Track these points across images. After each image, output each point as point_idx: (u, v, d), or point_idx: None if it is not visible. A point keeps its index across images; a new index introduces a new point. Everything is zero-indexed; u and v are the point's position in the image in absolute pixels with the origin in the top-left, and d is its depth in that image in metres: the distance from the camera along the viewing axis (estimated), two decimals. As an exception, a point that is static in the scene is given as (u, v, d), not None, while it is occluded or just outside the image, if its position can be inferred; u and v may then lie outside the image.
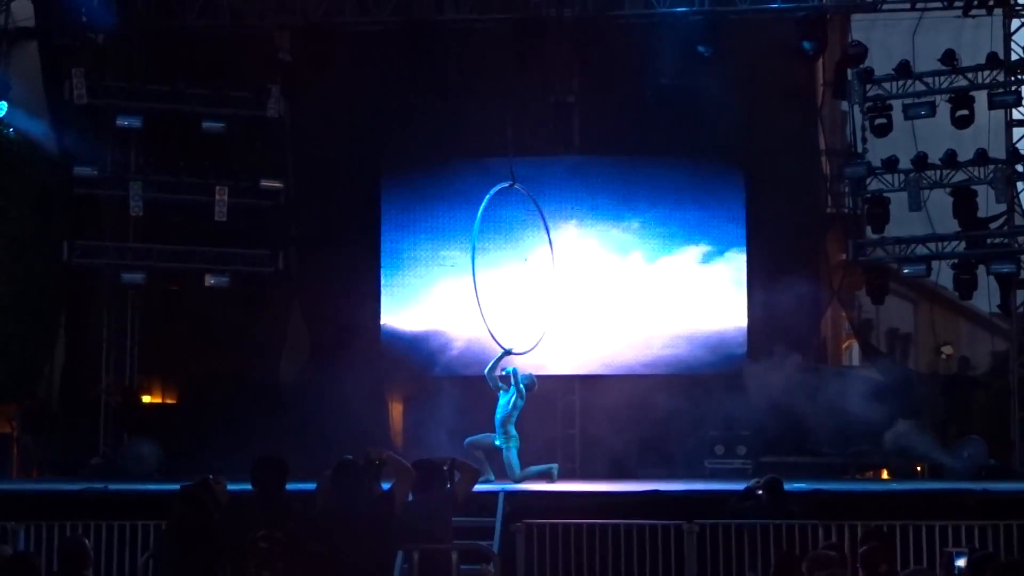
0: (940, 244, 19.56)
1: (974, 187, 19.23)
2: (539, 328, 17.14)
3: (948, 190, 19.37)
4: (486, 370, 16.63)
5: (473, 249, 16.85)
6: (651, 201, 19.74)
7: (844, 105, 20.93)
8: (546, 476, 16.48)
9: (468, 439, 16.40)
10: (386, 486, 9.02)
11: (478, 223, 16.93)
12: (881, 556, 8.53)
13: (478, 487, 10.77)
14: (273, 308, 20.55)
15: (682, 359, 19.29)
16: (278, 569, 7.42)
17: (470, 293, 18.37)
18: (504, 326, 17.72)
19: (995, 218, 19.49)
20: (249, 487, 8.97)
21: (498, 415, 16.42)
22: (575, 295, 19.16)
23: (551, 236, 17.80)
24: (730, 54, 19.34)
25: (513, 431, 16.38)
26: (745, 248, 19.46)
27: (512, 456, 16.29)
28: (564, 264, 18.93)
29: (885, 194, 19.76)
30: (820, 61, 20.70)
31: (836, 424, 17.54)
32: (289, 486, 9.11)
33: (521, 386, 16.38)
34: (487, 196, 16.92)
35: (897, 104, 19.59)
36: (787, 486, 13.30)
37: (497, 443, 16.35)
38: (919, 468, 19.14)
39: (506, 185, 17.14)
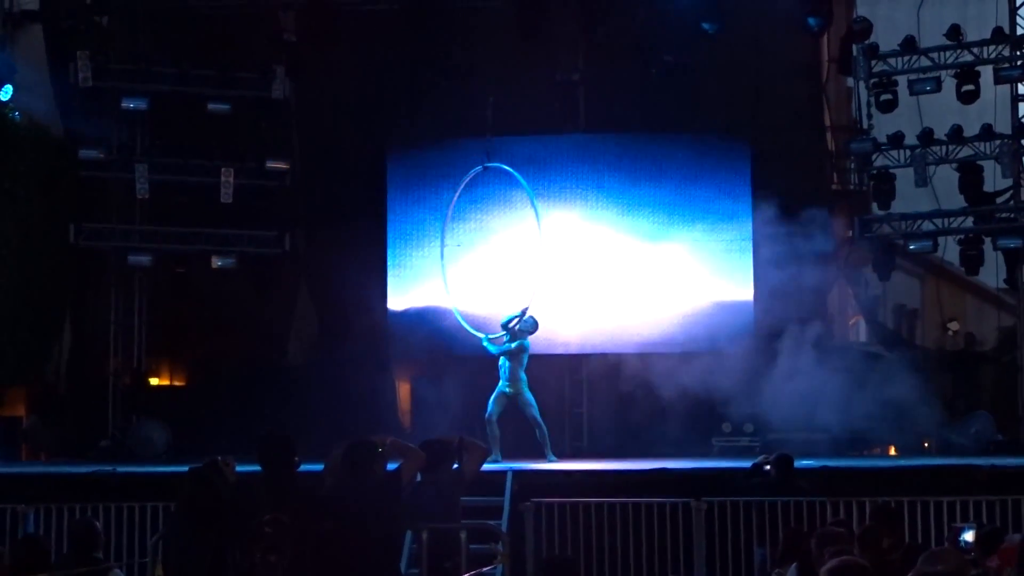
0: (946, 220, 19.55)
1: (980, 162, 19.21)
2: (520, 303, 17.12)
3: (954, 165, 19.36)
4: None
5: (442, 235, 17.03)
6: (656, 178, 19.70)
7: (849, 81, 20.91)
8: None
9: (487, 413, 16.32)
10: (392, 466, 9.04)
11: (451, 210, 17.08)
12: (883, 532, 8.53)
13: (486, 466, 10.80)
14: (280, 289, 20.58)
15: (688, 336, 19.27)
16: (285, 552, 7.45)
17: (477, 272, 18.55)
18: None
19: (1001, 193, 19.47)
20: (257, 468, 8.99)
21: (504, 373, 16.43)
22: (581, 273, 19.17)
23: (536, 206, 17.81)
24: (735, 30, 19.32)
25: (522, 375, 16.33)
26: (751, 225, 19.40)
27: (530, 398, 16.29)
28: (570, 242, 18.97)
29: (891, 170, 19.75)
30: (825, 37, 20.67)
31: (844, 401, 17.54)
32: (298, 467, 9.13)
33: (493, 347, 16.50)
34: (461, 184, 17.09)
35: (903, 80, 19.56)
36: (795, 463, 13.31)
37: (509, 391, 16.27)
38: (927, 444, 19.16)
39: (479, 169, 17.35)
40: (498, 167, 17.65)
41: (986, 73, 19.16)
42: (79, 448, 19.08)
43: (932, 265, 21.84)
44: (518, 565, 12.21)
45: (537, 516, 12.98)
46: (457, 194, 17.56)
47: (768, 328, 18.51)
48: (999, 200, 19.48)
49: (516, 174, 17.85)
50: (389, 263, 20.01)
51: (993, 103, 19.48)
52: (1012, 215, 19.28)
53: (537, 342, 17.13)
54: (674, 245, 19.54)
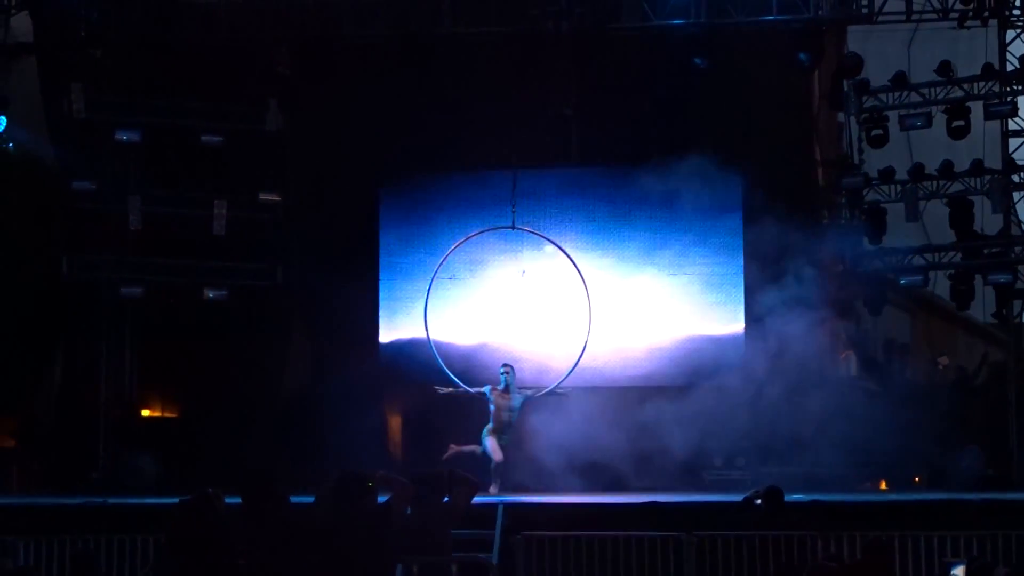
0: (937, 254, 19.61)
1: (971, 197, 19.28)
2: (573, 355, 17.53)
3: (945, 200, 19.42)
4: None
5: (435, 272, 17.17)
6: (648, 212, 19.77)
7: (840, 116, 20.97)
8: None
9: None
10: (382, 499, 9.04)
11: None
12: (874, 570, 8.54)
13: (479, 499, 10.79)
14: (272, 321, 20.56)
15: (679, 369, 19.30)
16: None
17: (468, 306, 18.61)
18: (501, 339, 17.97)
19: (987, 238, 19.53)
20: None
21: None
22: (572, 306, 19.19)
23: (578, 267, 18.15)
24: (726, 66, 19.40)
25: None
26: (742, 258, 19.48)
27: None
28: (562, 275, 19.02)
29: (882, 205, 19.83)
30: (816, 72, 20.74)
31: (834, 435, 17.54)
32: (289, 499, 9.11)
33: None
34: (476, 232, 17.32)
35: (893, 115, 19.67)
36: (786, 497, 13.30)
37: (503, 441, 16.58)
38: (917, 479, 19.15)
39: (507, 227, 17.57)
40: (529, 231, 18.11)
41: (976, 109, 19.26)
42: (69, 480, 19.01)
43: (922, 299, 21.88)
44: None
45: (528, 549, 12.95)
46: (463, 240, 17.71)
47: (759, 361, 18.52)
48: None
49: (550, 239, 18.17)
50: (381, 296, 20.04)
51: (983, 138, 19.56)
52: (1002, 250, 19.34)
53: (528, 377, 17.26)
54: (664, 278, 19.59)
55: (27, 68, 20.31)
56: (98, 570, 9.12)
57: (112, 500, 15.38)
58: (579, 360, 17.84)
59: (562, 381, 17.57)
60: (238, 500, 8.92)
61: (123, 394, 20.53)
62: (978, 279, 19.23)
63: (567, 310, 19.06)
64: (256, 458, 17.16)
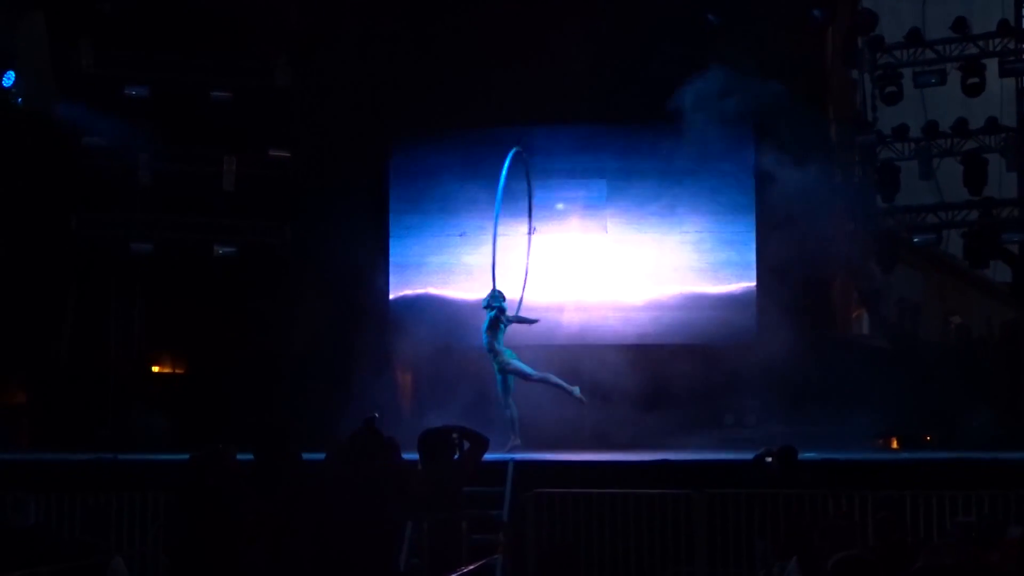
0: (950, 213, 19.52)
1: (985, 155, 19.16)
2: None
3: (958, 158, 19.30)
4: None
5: (496, 216, 16.88)
6: (660, 169, 19.67)
7: (854, 73, 20.83)
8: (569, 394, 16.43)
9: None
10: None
11: (500, 192, 16.98)
12: (886, 529, 8.53)
13: (489, 455, 10.76)
14: (282, 278, 20.55)
15: (691, 327, 19.27)
16: (267, 541, 7.42)
17: (478, 262, 18.53)
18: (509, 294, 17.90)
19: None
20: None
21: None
22: (584, 264, 19.15)
23: (532, 208, 17.88)
24: (739, 22, 19.25)
25: (499, 347, 16.34)
26: (754, 217, 19.40)
27: (518, 365, 16.23)
28: (573, 232, 18.93)
29: (895, 163, 19.72)
30: (830, 29, 20.59)
31: (846, 393, 17.50)
32: (301, 456, 9.09)
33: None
34: (506, 164, 17.01)
35: (907, 72, 19.55)
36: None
37: (494, 364, 16.31)
38: (928, 438, 19.12)
39: (517, 150, 17.29)
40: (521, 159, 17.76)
41: (991, 66, 19.12)
42: (78, 436, 19.03)
43: (935, 258, 21.81)
44: (519, 555, 12.19)
45: (538, 506, 12.95)
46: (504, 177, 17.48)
47: (771, 320, 18.47)
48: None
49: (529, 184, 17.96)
50: (391, 252, 19.99)
51: (998, 96, 19.46)
52: (1016, 210, 19.23)
53: (538, 333, 17.20)
54: (677, 236, 19.51)
55: (36, 23, 20.20)
56: (109, 526, 9.09)
57: (122, 456, 15.38)
58: (523, 289, 17.53)
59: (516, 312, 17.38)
60: (248, 456, 8.91)
61: (133, 350, 20.54)
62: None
63: (575, 266, 19.02)
64: (266, 414, 17.17)
